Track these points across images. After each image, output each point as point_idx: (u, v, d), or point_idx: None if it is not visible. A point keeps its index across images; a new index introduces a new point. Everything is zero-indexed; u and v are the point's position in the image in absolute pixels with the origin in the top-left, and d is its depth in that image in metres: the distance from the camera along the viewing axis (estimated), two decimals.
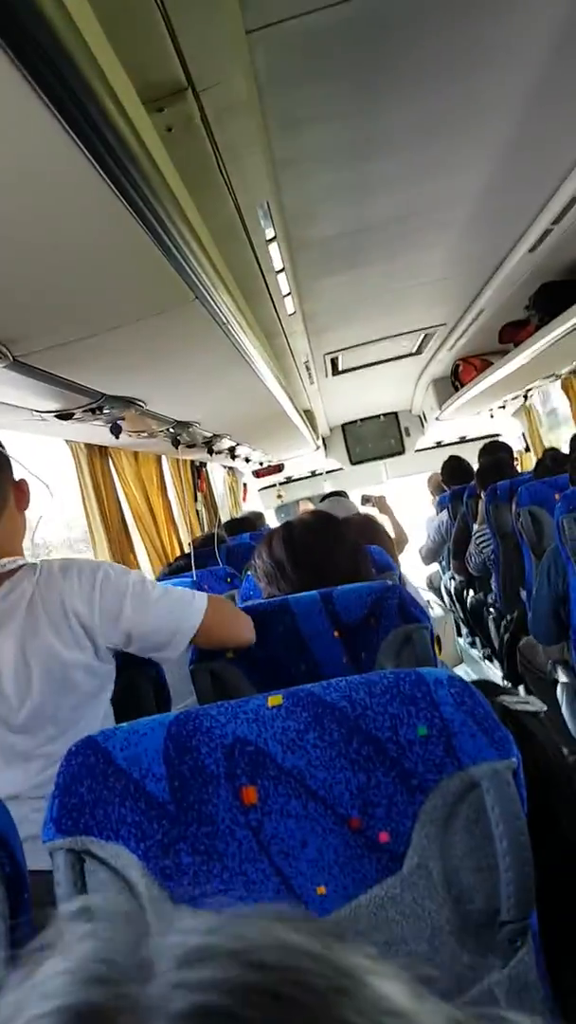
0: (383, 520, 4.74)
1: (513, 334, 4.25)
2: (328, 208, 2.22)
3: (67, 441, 2.59)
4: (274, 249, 2.16)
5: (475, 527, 4.19)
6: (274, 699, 0.80)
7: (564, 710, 2.83)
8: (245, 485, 6.23)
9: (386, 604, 1.54)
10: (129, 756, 0.78)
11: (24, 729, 1.33)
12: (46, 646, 1.33)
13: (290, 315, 2.90)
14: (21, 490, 1.39)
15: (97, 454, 2.72)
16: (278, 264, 2.30)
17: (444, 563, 5.85)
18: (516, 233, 2.84)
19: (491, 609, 4.19)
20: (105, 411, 1.73)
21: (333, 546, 1.74)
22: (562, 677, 2.82)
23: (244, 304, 1.87)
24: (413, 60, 1.58)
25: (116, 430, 1.90)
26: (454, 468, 5.65)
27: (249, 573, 2.17)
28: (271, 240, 2.09)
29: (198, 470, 4.16)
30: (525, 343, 3.68)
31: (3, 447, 1.38)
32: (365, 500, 3.86)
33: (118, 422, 1.89)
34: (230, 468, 5.55)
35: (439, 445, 7.02)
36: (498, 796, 0.77)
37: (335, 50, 1.50)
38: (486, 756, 0.78)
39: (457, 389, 5.46)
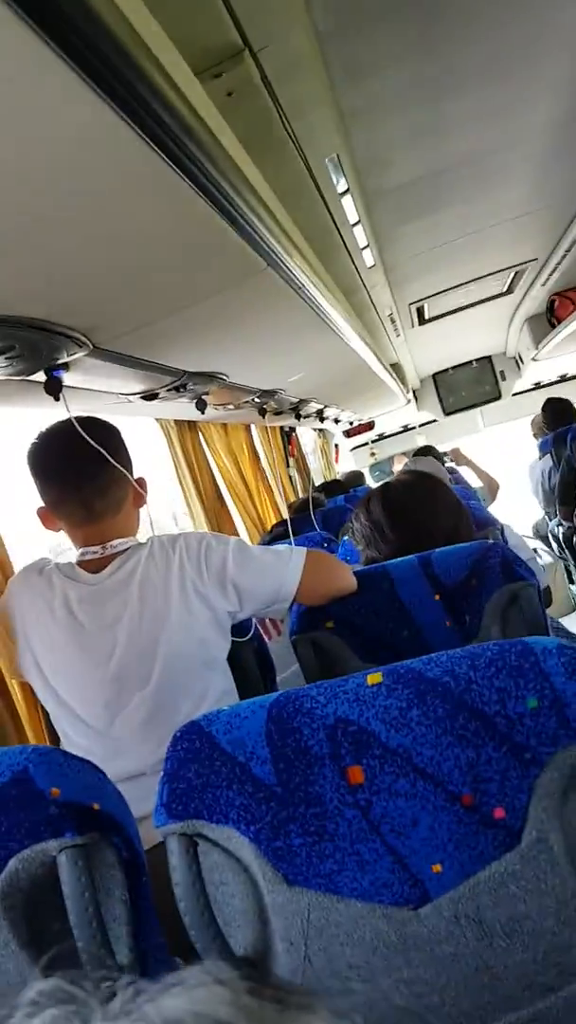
0: (467, 473, 4.62)
1: None
2: (401, 154, 2.13)
3: (157, 419, 2.62)
4: (348, 202, 2.10)
5: None
6: (373, 677, 0.78)
7: None
8: (337, 446, 6.19)
9: (488, 564, 1.49)
10: (233, 739, 0.78)
11: (142, 706, 1.36)
12: (162, 617, 1.36)
13: (370, 268, 2.83)
14: (139, 489, 1.44)
15: (187, 429, 2.74)
16: (353, 217, 2.23)
17: (551, 509, 5.67)
18: None
19: None
20: (189, 388, 1.73)
21: (432, 505, 1.70)
22: None
23: (318, 264, 1.83)
24: None
25: (202, 405, 1.90)
26: (555, 410, 5.44)
27: (346, 537, 2.15)
28: (344, 193, 2.02)
29: (288, 435, 4.15)
30: None
31: (127, 448, 1.42)
32: (440, 460, 3.78)
33: (203, 397, 1.89)
34: (320, 430, 5.52)
35: (538, 387, 6.76)
36: None
37: None
38: None
39: (554, 326, 5.22)
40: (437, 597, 1.47)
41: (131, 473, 1.43)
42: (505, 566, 1.50)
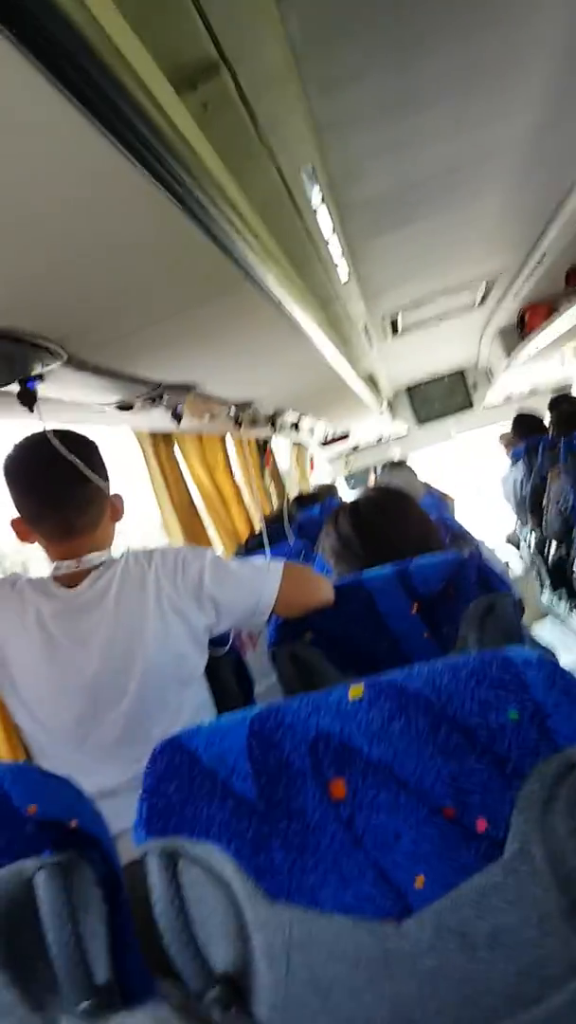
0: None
1: None
2: (374, 166, 2.14)
3: (133, 431, 2.61)
4: (323, 215, 2.11)
5: (552, 486, 4.07)
6: (355, 690, 0.78)
7: None
8: (312, 458, 6.20)
9: (464, 574, 1.50)
10: (213, 755, 0.77)
11: (118, 721, 1.35)
12: (138, 632, 1.34)
13: (344, 280, 2.84)
14: (115, 505, 1.44)
15: (162, 441, 2.73)
16: (328, 229, 2.24)
17: (524, 517, 5.73)
18: (574, 173, 2.71)
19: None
20: (164, 399, 1.72)
21: (400, 522, 1.71)
22: None
23: (295, 277, 1.83)
24: (449, 7, 1.51)
25: (177, 417, 1.89)
26: (526, 423, 5.51)
27: (319, 553, 2.16)
28: (319, 206, 2.03)
29: (263, 447, 4.15)
30: None
31: (104, 463, 1.41)
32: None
33: (178, 408, 1.88)
34: (296, 443, 5.53)
35: (508, 400, 6.84)
36: None
37: (367, 6, 1.43)
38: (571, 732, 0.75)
39: (523, 338, 5.29)
40: (415, 608, 1.48)
41: (108, 488, 1.42)
42: (481, 577, 1.51)
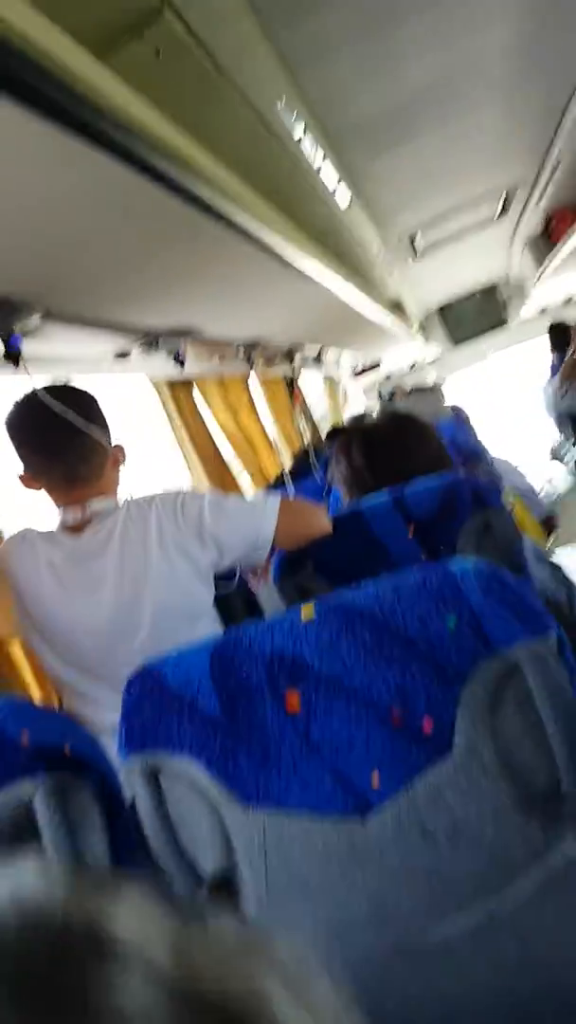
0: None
1: None
2: (356, 90, 2.10)
3: (150, 381, 2.66)
4: (308, 145, 2.09)
5: None
6: (307, 610, 0.83)
7: None
8: (345, 391, 6.17)
9: (459, 495, 1.52)
10: (180, 679, 0.84)
11: (133, 659, 1.43)
12: (144, 574, 1.42)
13: (347, 207, 2.80)
14: (117, 454, 1.51)
15: (180, 388, 2.77)
16: (317, 159, 2.22)
17: (566, 430, 5.65)
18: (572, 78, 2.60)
19: None
20: (161, 345, 1.76)
21: (411, 448, 1.72)
22: None
23: (278, 211, 1.83)
24: None
25: (180, 361, 1.93)
26: (561, 332, 5.38)
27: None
28: (301, 137, 2.01)
29: (290, 384, 4.16)
30: None
31: (102, 413, 1.47)
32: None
33: (179, 352, 1.92)
34: (327, 377, 5.51)
35: (543, 313, 6.66)
36: (540, 676, 0.78)
37: None
38: (519, 637, 0.79)
39: (553, 247, 5.12)
40: (411, 532, 1.51)
41: (109, 436, 1.48)
42: (476, 496, 1.53)
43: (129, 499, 1.49)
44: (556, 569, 1.67)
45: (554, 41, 2.22)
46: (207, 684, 0.83)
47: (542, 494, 3.33)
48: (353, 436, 1.77)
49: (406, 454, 1.71)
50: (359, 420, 5.29)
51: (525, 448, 6.00)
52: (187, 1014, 0.22)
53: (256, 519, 1.48)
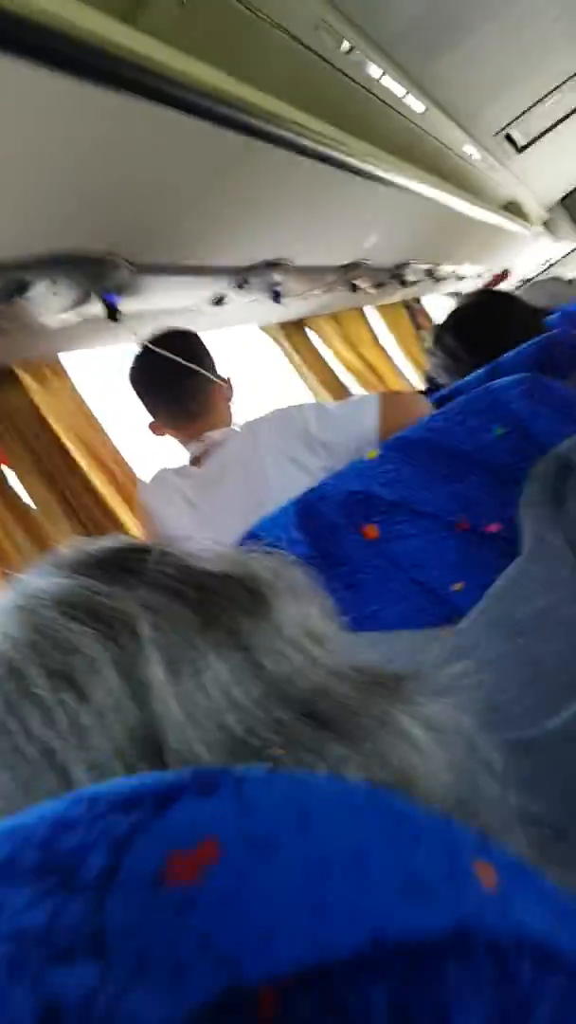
0: None
1: None
2: None
3: (261, 329, 2.79)
4: (357, 58, 2.12)
5: None
6: (371, 453, 0.93)
7: None
8: None
9: (556, 354, 1.54)
10: (272, 533, 0.96)
11: None
12: (264, 490, 1.56)
13: (422, 113, 2.79)
14: (223, 387, 1.64)
15: (293, 330, 2.88)
16: (375, 71, 2.24)
17: None
18: None
19: None
20: (253, 283, 1.88)
21: (502, 321, 1.74)
22: None
23: (342, 130, 1.88)
24: None
25: (277, 297, 2.04)
26: None
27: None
28: (349, 54, 2.05)
29: (411, 309, 4.16)
30: None
31: (207, 351, 1.63)
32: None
33: (276, 288, 2.03)
34: (452, 293, 5.41)
35: None
36: None
37: None
38: (568, 432, 0.84)
39: None
40: None
41: (215, 372, 1.62)
42: (574, 351, 1.54)
43: (237, 425, 1.63)
44: None
45: None
46: (296, 532, 0.95)
47: None
48: (444, 322, 1.81)
49: (496, 326, 1.73)
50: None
51: None
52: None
53: (359, 416, 1.57)
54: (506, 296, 1.82)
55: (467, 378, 1.60)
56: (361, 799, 0.21)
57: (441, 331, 1.79)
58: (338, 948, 0.15)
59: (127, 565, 0.38)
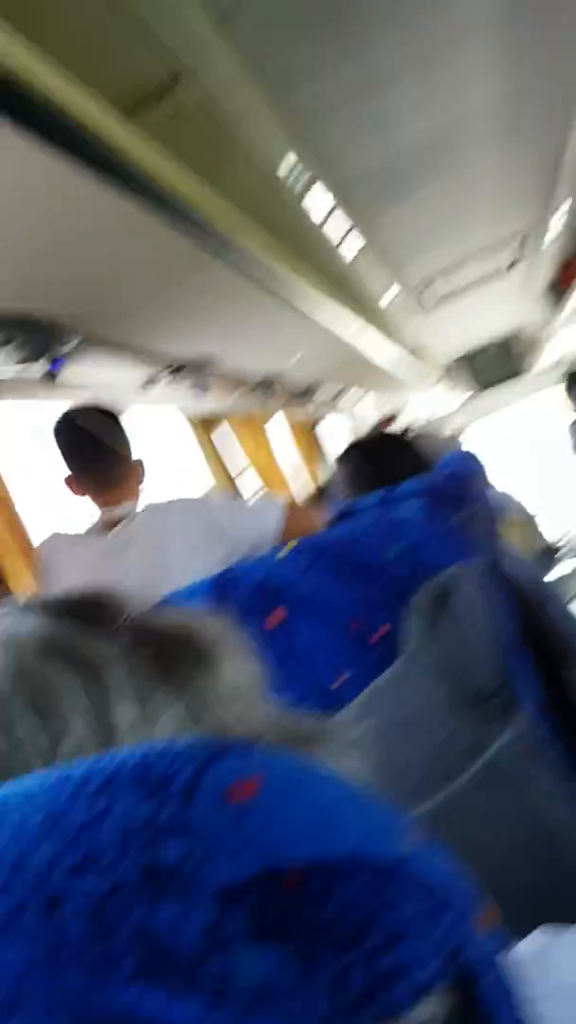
0: None
1: None
2: (358, 145, 2.36)
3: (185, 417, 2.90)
4: (315, 196, 2.34)
5: None
6: (286, 548, 1.02)
7: None
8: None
9: (450, 487, 1.71)
10: (187, 605, 1.03)
11: None
12: (164, 564, 1.62)
13: (358, 254, 3.05)
14: (137, 468, 1.72)
15: (209, 423, 3.00)
16: (324, 208, 2.47)
17: None
18: (567, 123, 2.84)
19: None
20: (184, 373, 1.99)
21: (400, 449, 1.93)
22: None
23: (288, 254, 2.07)
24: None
25: (202, 390, 2.16)
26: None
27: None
28: (309, 189, 2.26)
29: (312, 430, 4.38)
30: None
31: (125, 435, 1.70)
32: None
33: (202, 382, 2.15)
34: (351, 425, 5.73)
35: (557, 365, 6.85)
36: (472, 592, 0.96)
37: (310, 7, 1.66)
38: (453, 560, 0.97)
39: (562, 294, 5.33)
40: None
41: (130, 451, 1.70)
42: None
43: (151, 503, 1.70)
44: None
45: (539, 94, 2.46)
46: (210, 607, 1.01)
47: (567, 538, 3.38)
48: (350, 447, 1.98)
49: (394, 452, 1.92)
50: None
51: (551, 496, 6.11)
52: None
53: (265, 518, 1.67)
54: (398, 437, 2.03)
55: (367, 497, 1.75)
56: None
57: (347, 455, 1.96)
58: (336, 853, 0.24)
59: (100, 613, 0.44)
